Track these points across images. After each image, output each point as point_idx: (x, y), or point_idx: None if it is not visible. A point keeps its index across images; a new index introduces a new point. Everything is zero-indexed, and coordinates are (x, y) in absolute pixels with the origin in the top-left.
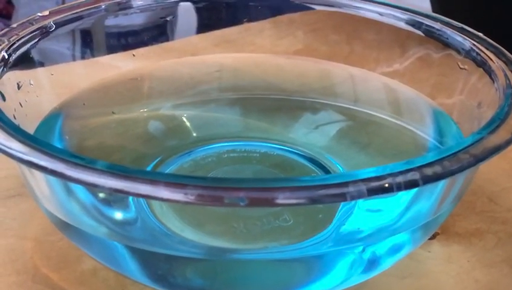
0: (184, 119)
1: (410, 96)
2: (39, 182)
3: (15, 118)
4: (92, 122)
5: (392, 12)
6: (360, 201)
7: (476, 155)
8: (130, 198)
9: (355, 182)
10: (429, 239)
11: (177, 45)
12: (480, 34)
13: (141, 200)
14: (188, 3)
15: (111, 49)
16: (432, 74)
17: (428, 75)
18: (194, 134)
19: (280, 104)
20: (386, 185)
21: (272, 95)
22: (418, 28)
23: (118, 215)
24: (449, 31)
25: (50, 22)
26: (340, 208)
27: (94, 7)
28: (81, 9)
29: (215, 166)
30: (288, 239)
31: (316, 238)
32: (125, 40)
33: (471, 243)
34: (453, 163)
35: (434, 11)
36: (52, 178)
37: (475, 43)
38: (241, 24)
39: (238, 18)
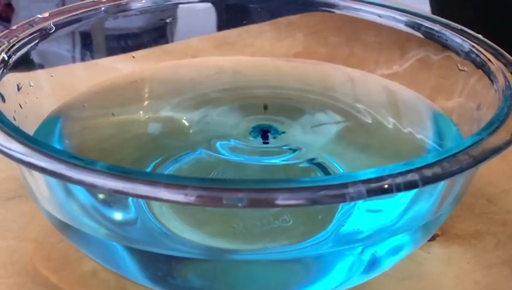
0: (184, 121)
1: (409, 98)
2: (39, 183)
3: (15, 119)
4: (91, 123)
5: (392, 14)
6: (360, 202)
7: (475, 156)
8: (130, 199)
9: (354, 183)
10: (429, 241)
11: (177, 47)
12: (480, 36)
13: (141, 200)
14: (188, 5)
15: (111, 51)
16: (432, 75)
17: (428, 77)
18: (194, 135)
19: (280, 105)
20: (386, 186)
21: (272, 97)
22: (418, 30)
23: (118, 216)
24: (448, 33)
25: (50, 23)
26: (339, 209)
27: (94, 9)
28: (81, 11)
29: (214, 167)
30: (287, 240)
31: (316, 239)
32: (125, 42)
33: (471, 245)
34: (452, 164)
35: (433, 12)
36: (51, 179)
37: (474, 44)
38: (240, 26)
39: (237, 20)
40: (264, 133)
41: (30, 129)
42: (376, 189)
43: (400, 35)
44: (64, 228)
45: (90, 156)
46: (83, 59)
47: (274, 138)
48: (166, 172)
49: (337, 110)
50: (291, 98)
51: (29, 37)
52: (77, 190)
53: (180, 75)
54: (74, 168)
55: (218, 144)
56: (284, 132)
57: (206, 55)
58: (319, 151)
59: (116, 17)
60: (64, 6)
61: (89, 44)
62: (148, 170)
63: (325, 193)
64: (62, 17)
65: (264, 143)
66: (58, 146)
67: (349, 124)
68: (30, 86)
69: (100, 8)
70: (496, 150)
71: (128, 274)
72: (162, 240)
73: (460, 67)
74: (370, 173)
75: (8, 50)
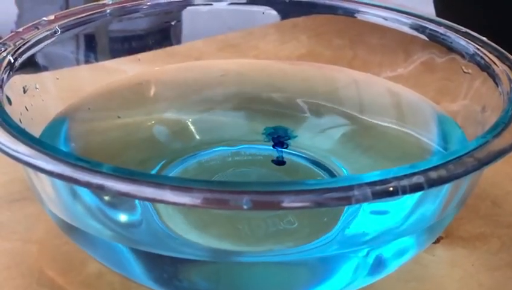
0: (189, 123)
1: (414, 100)
2: (45, 185)
3: (21, 121)
4: (97, 126)
5: (396, 17)
6: (365, 204)
7: (480, 159)
8: (135, 201)
9: (360, 185)
10: (433, 243)
11: (182, 49)
12: (484, 38)
13: (146, 202)
14: (193, 8)
15: (116, 54)
16: (436, 78)
17: (432, 80)
18: (199, 137)
19: (284, 108)
20: (391, 188)
21: (276, 99)
22: (422, 32)
23: (123, 218)
24: (453, 35)
25: (55, 26)
26: (344, 211)
27: (99, 12)
28: (87, 13)
29: (219, 169)
30: (293, 241)
31: (321, 240)
32: (130, 45)
33: (475, 247)
34: (457, 167)
35: (438, 15)
36: (57, 181)
37: (479, 47)
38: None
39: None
40: (276, 139)
41: (36, 131)
42: (381, 191)
43: (404, 38)
44: (70, 229)
45: (96, 158)
46: (88, 61)
47: (283, 143)
48: (171, 174)
49: (341, 112)
50: (296, 100)
51: (35, 40)
52: (83, 191)
53: (185, 77)
54: (80, 171)
55: (222, 147)
56: (296, 136)
57: (210, 57)
58: (324, 153)
59: (121, 20)
60: (70, 9)
61: (94, 46)
62: (153, 172)
63: (331, 195)
64: (68, 20)
65: (273, 147)
66: (63, 148)
67: (353, 127)
68: (36, 88)
69: (105, 10)
70: (501, 153)
71: (134, 276)
72: (167, 242)
73: (465, 70)
74: (375, 176)
75: (14, 52)
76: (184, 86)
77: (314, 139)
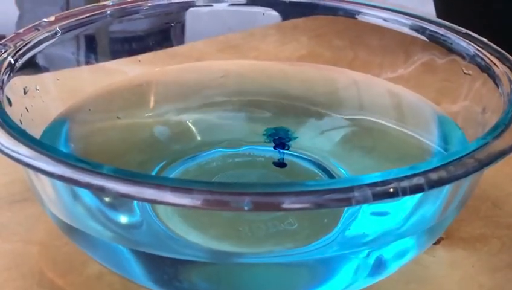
0: (189, 124)
1: (414, 101)
2: (45, 186)
3: (21, 123)
4: (97, 127)
5: (396, 18)
6: (365, 205)
7: (480, 160)
8: (135, 202)
9: (360, 186)
10: (434, 244)
11: (182, 50)
12: (485, 40)
13: (146, 203)
14: (193, 9)
15: (116, 55)
16: (436, 79)
17: (433, 81)
18: (199, 138)
19: (285, 109)
20: (391, 189)
21: (276, 101)
22: (422, 33)
23: (123, 218)
24: (453, 37)
25: (56, 27)
26: (345, 212)
27: (99, 13)
28: (87, 14)
29: (219, 170)
30: (293, 243)
31: (321, 242)
32: (130, 46)
33: (476, 248)
34: (458, 168)
35: (438, 16)
36: (58, 182)
37: (479, 48)
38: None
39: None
40: (277, 140)
41: (36, 132)
42: (382, 193)
43: (404, 39)
44: (70, 230)
45: (96, 159)
46: (88, 62)
47: (285, 144)
48: (171, 175)
49: (342, 113)
50: (296, 102)
51: (36, 41)
52: (83, 193)
53: (185, 78)
54: (81, 172)
55: (223, 148)
56: (297, 137)
57: (210, 58)
58: (324, 154)
59: (121, 21)
60: (70, 10)
61: (95, 47)
62: (153, 173)
63: (331, 197)
64: (68, 21)
65: (274, 148)
66: (64, 149)
67: (354, 128)
68: (36, 89)
69: (106, 11)
70: (501, 154)
71: (134, 277)
72: (168, 243)
73: (465, 71)
74: (376, 177)
75: (15, 54)
76: (184, 87)
77: (315, 140)
